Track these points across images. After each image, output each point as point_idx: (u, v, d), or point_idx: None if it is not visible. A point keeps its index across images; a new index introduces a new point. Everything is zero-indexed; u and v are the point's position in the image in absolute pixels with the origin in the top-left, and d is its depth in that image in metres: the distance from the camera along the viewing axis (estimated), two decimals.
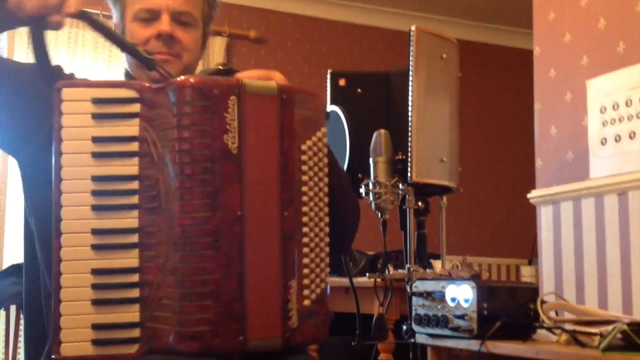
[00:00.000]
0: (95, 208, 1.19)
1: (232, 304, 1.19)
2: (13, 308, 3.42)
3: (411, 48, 2.12)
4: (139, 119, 1.21)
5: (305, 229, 1.26)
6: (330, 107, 2.34)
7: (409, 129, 2.10)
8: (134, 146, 1.21)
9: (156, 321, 1.18)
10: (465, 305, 1.72)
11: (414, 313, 1.89)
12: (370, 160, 2.10)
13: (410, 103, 2.11)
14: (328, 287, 1.31)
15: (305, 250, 1.26)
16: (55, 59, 1.32)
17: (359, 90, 2.33)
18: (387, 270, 2.18)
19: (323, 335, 1.30)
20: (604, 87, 2.72)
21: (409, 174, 2.09)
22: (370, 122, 2.21)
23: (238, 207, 1.20)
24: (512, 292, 1.79)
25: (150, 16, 1.52)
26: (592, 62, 2.81)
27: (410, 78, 2.12)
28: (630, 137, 2.59)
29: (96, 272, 1.18)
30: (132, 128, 1.21)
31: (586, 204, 2.75)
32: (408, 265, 2.14)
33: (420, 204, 2.18)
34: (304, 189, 1.27)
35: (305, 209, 1.26)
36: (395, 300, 2.34)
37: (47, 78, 1.29)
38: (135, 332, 1.18)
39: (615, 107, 2.66)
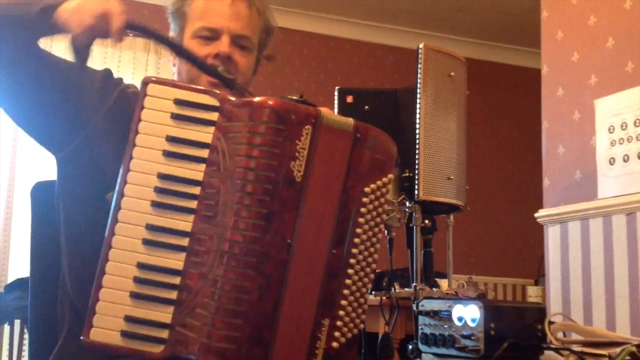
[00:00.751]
0: (155, 204, 1.21)
1: (262, 328, 1.18)
2: (17, 323, 3.42)
3: (419, 65, 2.12)
4: (215, 127, 1.23)
5: (350, 271, 1.26)
6: None
7: (417, 146, 2.10)
8: (205, 153, 1.22)
9: (186, 327, 1.18)
10: (472, 325, 1.70)
11: (420, 332, 1.87)
12: None
13: (417, 120, 2.11)
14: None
15: (346, 292, 1.25)
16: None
17: (367, 107, 2.32)
18: (393, 289, 2.16)
19: None
20: (613, 107, 2.71)
21: (416, 192, 2.08)
22: None
23: (289, 235, 1.20)
24: (519, 312, 1.77)
25: (211, 35, 1.54)
26: (601, 82, 2.80)
27: (418, 95, 2.12)
28: (639, 157, 2.58)
29: (141, 266, 1.19)
30: (206, 135, 1.23)
31: (594, 224, 2.73)
32: (414, 284, 2.13)
33: (427, 222, 2.17)
34: (359, 230, 1.26)
35: (354, 250, 1.26)
36: (401, 319, 2.32)
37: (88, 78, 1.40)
38: (164, 333, 1.18)
39: (623, 126, 2.65)
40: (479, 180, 5.22)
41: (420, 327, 1.87)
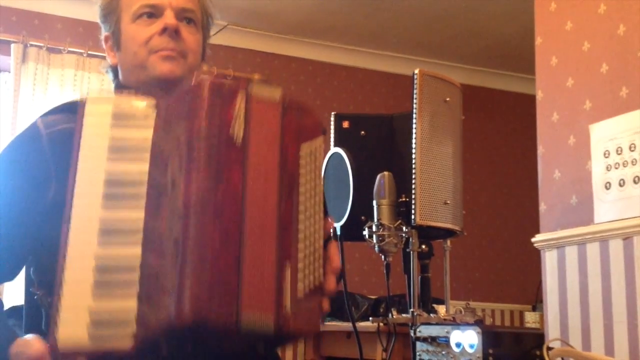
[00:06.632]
0: (106, 201, 1.25)
1: (228, 276, 1.20)
2: None
3: (415, 91, 2.13)
4: (152, 129, 1.29)
5: (300, 225, 1.30)
6: (333, 149, 2.34)
7: (413, 171, 2.10)
8: (147, 142, 1.28)
9: (153, 307, 1.20)
10: (470, 350, 1.69)
11: (417, 359, 1.86)
12: (374, 202, 2.09)
13: (414, 145, 2.11)
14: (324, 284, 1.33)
15: (300, 243, 1.30)
16: (61, 99, 1.35)
17: (363, 132, 2.33)
18: (390, 315, 2.15)
19: (315, 327, 1.32)
20: (608, 132, 2.72)
21: (412, 217, 2.08)
22: (373, 164, 2.21)
23: (240, 188, 1.25)
24: (517, 337, 1.76)
25: (153, 12, 1.49)
26: (595, 107, 2.82)
27: (414, 121, 2.12)
28: (635, 182, 2.58)
29: (100, 269, 1.23)
30: (147, 130, 1.29)
31: (591, 249, 2.73)
32: (412, 310, 2.11)
33: (424, 247, 2.17)
34: (301, 189, 1.32)
35: (301, 207, 1.32)
36: (398, 346, 2.30)
37: None
38: (131, 328, 1.20)
39: (619, 151, 2.66)
40: (475, 206, 5.23)
41: (418, 354, 1.86)
